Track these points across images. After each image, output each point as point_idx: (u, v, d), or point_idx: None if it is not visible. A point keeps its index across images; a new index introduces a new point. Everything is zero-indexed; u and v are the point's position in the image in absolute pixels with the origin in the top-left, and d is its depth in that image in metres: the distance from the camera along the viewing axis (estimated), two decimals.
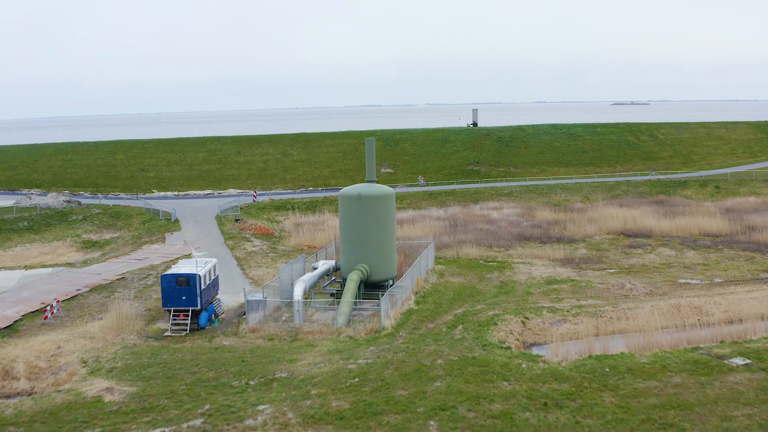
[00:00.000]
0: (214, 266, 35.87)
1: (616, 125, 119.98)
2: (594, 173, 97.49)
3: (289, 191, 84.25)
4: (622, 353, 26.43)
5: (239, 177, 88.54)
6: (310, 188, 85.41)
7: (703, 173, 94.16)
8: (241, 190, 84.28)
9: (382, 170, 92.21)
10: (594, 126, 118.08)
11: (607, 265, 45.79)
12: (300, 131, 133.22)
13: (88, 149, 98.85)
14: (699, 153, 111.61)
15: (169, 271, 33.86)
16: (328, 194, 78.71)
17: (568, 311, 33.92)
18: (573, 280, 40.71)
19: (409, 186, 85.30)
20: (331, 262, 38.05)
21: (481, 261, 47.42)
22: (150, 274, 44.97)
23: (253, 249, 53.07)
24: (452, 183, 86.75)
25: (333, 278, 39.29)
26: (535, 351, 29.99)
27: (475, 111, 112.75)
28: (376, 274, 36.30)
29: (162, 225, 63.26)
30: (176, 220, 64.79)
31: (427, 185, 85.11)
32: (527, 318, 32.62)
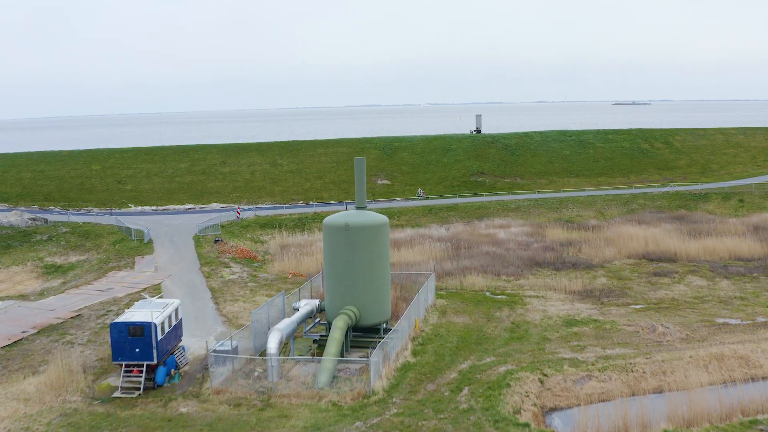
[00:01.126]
0: (176, 309, 31.45)
1: (629, 131, 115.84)
2: (607, 184, 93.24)
3: (277, 205, 79.88)
4: None
5: (224, 190, 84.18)
6: (300, 202, 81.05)
7: (724, 184, 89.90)
8: (225, 205, 79.89)
9: (379, 182, 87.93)
10: (605, 132, 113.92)
11: (632, 299, 41.39)
12: (292, 139, 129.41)
13: (61, 159, 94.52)
14: (717, 161, 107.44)
15: (120, 318, 29.45)
16: (319, 209, 74.37)
17: (593, 364, 29.53)
18: (595, 321, 36.30)
19: (408, 200, 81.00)
20: (315, 303, 33.64)
21: (488, 293, 43.03)
22: (110, 311, 40.56)
23: (231, 277, 48.68)
24: (454, 196, 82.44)
25: (317, 320, 34.87)
26: (556, 420, 25.59)
27: (478, 117, 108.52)
28: (366, 317, 31.90)
29: (133, 247, 58.87)
30: (150, 241, 60.39)
31: (427, 198, 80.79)
32: (545, 375, 28.22)
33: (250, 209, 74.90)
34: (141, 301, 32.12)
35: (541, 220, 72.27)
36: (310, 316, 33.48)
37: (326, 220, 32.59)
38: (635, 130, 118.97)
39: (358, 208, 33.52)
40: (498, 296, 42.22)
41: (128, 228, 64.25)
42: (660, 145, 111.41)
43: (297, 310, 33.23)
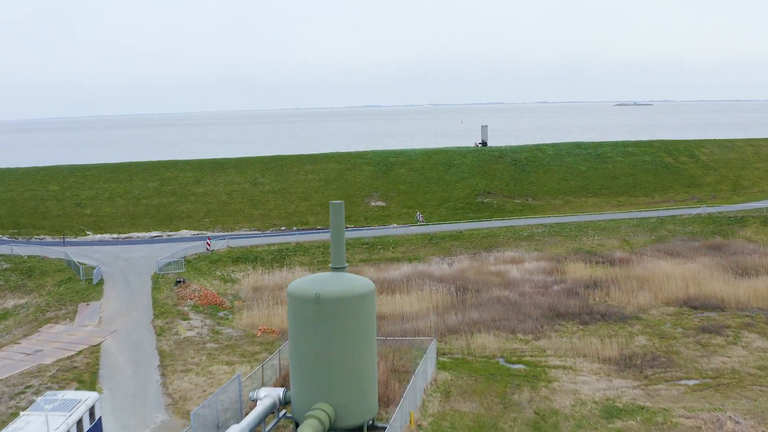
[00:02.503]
0: (90, 410, 24.61)
1: (650, 144, 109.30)
2: (629, 205, 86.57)
3: (255, 232, 73.13)
4: None
5: (196, 213, 77.41)
6: (283, 228, 74.27)
7: (761, 204, 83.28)
8: (196, 232, 73.12)
9: (372, 203, 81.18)
10: (624, 145, 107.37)
11: (682, 371, 34.56)
12: (277, 153, 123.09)
13: (16, 177, 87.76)
14: (749, 177, 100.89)
15: None
16: (302, 238, 67.60)
17: None
18: (642, 409, 29.45)
19: (405, 225, 74.22)
20: (278, 392, 26.77)
21: (502, 361, 36.21)
22: (30, 387, 33.77)
23: (188, 334, 41.84)
24: (458, 221, 75.70)
25: (282, 413, 28.01)
26: None
27: (484, 128, 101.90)
28: (345, 417, 25.01)
29: (80, 289, 52.08)
30: (100, 282, 53.61)
31: (427, 224, 74.04)
32: None
33: (223, 238, 68.15)
34: (44, 398, 25.25)
35: (559, 251, 65.51)
36: (273, 410, 26.63)
37: (291, 287, 25.70)
38: (657, 141, 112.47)
39: (334, 269, 26.65)
40: (515, 366, 35.37)
41: (79, 263, 57.43)
42: (685, 158, 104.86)
43: (256, 401, 26.44)
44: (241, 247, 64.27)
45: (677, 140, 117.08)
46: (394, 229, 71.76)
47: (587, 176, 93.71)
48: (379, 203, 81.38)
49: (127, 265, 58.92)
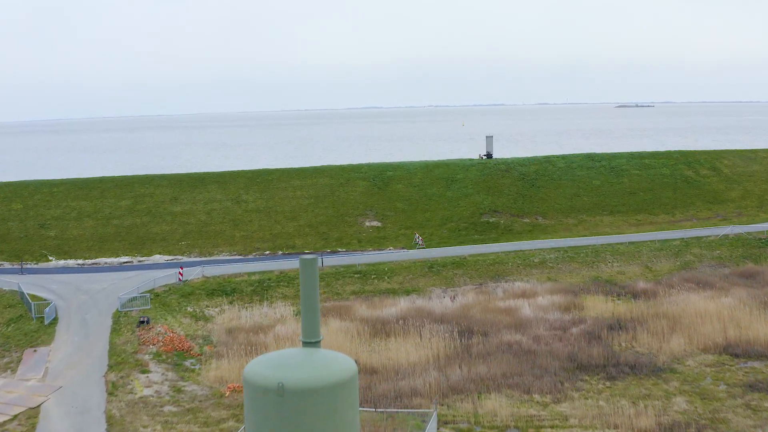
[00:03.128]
0: None
1: (669, 155, 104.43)
2: (649, 224, 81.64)
3: (236, 257, 68.12)
4: None
5: (171, 236, 72.37)
6: (267, 253, 69.24)
7: None
8: (170, 257, 68.09)
9: (366, 223, 76.16)
10: (641, 156, 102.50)
11: None
12: (263, 166, 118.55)
13: None
14: None
15: None
16: (286, 265, 62.58)
17: None
18: None
19: (403, 250, 69.20)
20: None
21: None
22: None
23: (145, 392, 36.77)
24: (462, 243, 70.70)
25: None
26: None
27: (489, 139, 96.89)
28: None
29: (30, 331, 47.08)
30: (54, 321, 48.57)
31: (427, 248, 69.03)
32: None
33: (200, 264, 63.10)
34: None
35: (574, 280, 60.50)
36: None
37: (248, 371, 20.55)
38: (675, 152, 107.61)
39: (305, 344, 21.57)
40: None
41: (33, 297, 52.33)
42: (706, 171, 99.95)
43: None
44: (218, 276, 59.18)
45: (697, 151, 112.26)
46: (391, 254, 66.75)
47: (602, 192, 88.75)
48: (375, 223, 76.35)
49: (87, 299, 53.83)
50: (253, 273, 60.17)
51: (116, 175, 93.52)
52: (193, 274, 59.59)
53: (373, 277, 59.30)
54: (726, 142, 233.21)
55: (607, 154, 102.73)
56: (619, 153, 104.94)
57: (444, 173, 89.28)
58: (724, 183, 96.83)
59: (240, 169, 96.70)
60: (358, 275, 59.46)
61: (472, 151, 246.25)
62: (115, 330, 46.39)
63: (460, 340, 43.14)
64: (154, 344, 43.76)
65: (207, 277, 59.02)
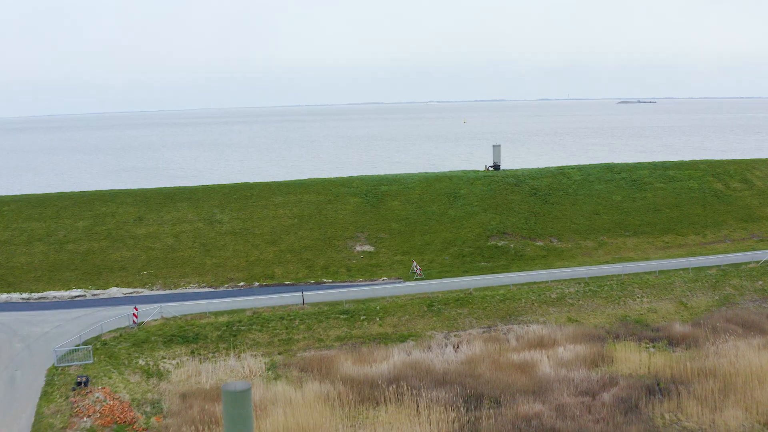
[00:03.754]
0: None
1: (695, 165, 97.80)
2: (677, 246, 75.14)
3: (205, 290, 61.47)
4: None
5: (133, 264, 65.65)
6: (241, 284, 62.55)
7: None
8: (130, 290, 61.45)
9: (357, 248, 69.51)
10: (664, 167, 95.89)
11: None
12: (247, 171, 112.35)
13: None
14: None
15: None
16: (262, 302, 55.96)
17: None
18: None
19: (398, 280, 62.56)
20: None
21: None
22: None
23: None
24: (466, 272, 64.10)
25: None
26: None
27: (496, 148, 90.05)
28: None
29: None
30: None
31: (425, 278, 62.42)
32: None
33: (161, 300, 56.39)
34: None
35: (599, 320, 53.90)
36: None
37: None
38: (702, 162, 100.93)
39: None
40: None
41: None
42: (737, 184, 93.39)
43: None
44: (180, 317, 52.45)
45: (725, 160, 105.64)
46: (384, 287, 60.08)
47: (623, 208, 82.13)
48: (366, 248, 69.67)
49: (23, 348, 47.19)
50: (222, 313, 53.45)
51: (76, 190, 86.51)
52: (150, 314, 52.89)
53: (362, 317, 52.59)
54: (740, 147, 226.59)
55: (627, 165, 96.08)
56: (641, 163, 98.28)
57: (446, 188, 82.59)
58: (758, 197, 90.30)
59: (217, 183, 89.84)
60: (345, 315, 52.76)
61: (474, 151, 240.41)
62: (46, 394, 39.70)
63: (467, 412, 36.41)
64: (89, 415, 37.10)
65: (167, 319, 52.30)
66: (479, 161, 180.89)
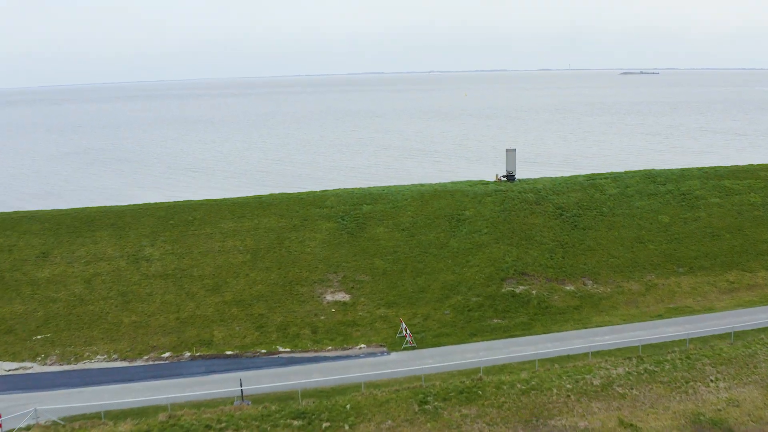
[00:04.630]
0: None
1: (755, 173, 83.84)
2: (746, 288, 61.90)
3: (117, 363, 47.83)
4: None
5: (25, 323, 51.90)
6: (166, 355, 48.83)
7: None
8: (16, 365, 47.88)
9: (328, 297, 55.75)
10: (717, 175, 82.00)
11: None
12: (181, 197, 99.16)
13: None
14: None
15: None
16: (190, 390, 42.32)
17: None
18: None
19: (380, 350, 48.90)
20: None
21: None
22: None
23: None
24: (473, 336, 50.50)
25: None
26: None
27: (510, 153, 75.33)
28: None
29: None
30: None
31: (417, 347, 48.80)
32: None
33: (50, 379, 42.73)
34: None
35: (663, 423, 40.41)
36: None
37: None
38: (762, 168, 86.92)
39: None
40: None
41: None
42: None
43: None
44: (64, 422, 38.72)
45: None
46: (362, 361, 46.53)
47: (673, 234, 68.44)
48: (340, 296, 55.90)
49: None
50: (126, 414, 39.75)
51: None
52: (23, 420, 39.15)
53: (325, 424, 38.92)
54: None
55: (672, 173, 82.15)
56: (688, 170, 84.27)
57: (447, 207, 68.66)
58: None
59: (153, 201, 75.30)
60: (300, 421, 39.08)
61: (476, 132, 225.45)
62: None
63: None
64: None
65: (43, 426, 38.58)
66: (482, 149, 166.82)
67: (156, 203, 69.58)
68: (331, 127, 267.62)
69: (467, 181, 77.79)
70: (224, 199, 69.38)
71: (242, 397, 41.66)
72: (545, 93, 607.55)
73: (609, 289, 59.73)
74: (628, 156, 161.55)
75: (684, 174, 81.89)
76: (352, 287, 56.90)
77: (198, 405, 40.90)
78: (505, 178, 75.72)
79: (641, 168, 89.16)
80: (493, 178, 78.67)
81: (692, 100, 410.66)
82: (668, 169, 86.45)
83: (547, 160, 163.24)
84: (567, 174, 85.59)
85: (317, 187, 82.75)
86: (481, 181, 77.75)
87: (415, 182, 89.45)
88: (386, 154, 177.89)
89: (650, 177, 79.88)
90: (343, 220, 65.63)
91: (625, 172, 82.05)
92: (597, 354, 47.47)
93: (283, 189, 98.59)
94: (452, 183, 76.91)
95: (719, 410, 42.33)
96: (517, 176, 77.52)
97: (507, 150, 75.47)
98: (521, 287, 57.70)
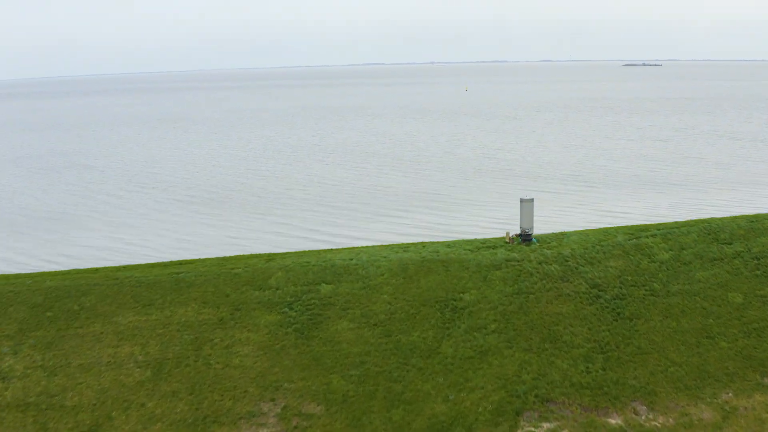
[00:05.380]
0: None
1: None
2: None
3: None
4: None
5: None
6: None
7: None
8: None
9: None
10: None
11: None
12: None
13: None
14: None
15: None
16: None
17: None
18: None
19: None
20: None
21: None
22: None
23: None
24: None
25: None
26: None
27: (526, 205, 57.90)
28: None
29: None
30: None
31: None
32: None
33: None
34: None
35: None
36: None
37: None
38: None
39: None
40: None
41: None
42: None
43: None
44: None
45: None
46: None
47: (750, 321, 52.15)
48: None
49: None
50: None
51: None
52: None
53: None
54: None
55: (737, 223, 65.72)
56: (760, 216, 67.74)
57: (439, 288, 52.12)
58: None
59: (37, 264, 58.06)
60: None
61: (476, 140, 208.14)
62: None
63: None
64: None
65: None
66: (479, 160, 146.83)
67: (32, 283, 52.69)
68: (313, 128, 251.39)
69: (467, 241, 61.01)
70: (128, 277, 52.58)
71: None
72: (546, 87, 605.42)
73: (672, 420, 43.37)
74: (643, 171, 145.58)
75: (753, 227, 65.39)
76: (295, 427, 40.47)
77: None
78: (521, 239, 59.12)
79: (692, 216, 72.73)
80: (502, 234, 62.21)
81: (704, 96, 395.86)
82: (730, 216, 70.03)
83: (551, 173, 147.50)
84: (598, 222, 69.13)
85: (263, 245, 66.27)
86: (484, 241, 60.93)
87: (397, 229, 73.01)
88: (365, 167, 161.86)
89: (710, 233, 63.41)
90: (291, 309, 49.18)
91: (679, 224, 65.64)
92: None
93: (212, 249, 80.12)
94: (447, 244, 60.02)
95: None
96: (534, 228, 60.75)
97: (522, 200, 58.75)
98: (546, 425, 41.32)
